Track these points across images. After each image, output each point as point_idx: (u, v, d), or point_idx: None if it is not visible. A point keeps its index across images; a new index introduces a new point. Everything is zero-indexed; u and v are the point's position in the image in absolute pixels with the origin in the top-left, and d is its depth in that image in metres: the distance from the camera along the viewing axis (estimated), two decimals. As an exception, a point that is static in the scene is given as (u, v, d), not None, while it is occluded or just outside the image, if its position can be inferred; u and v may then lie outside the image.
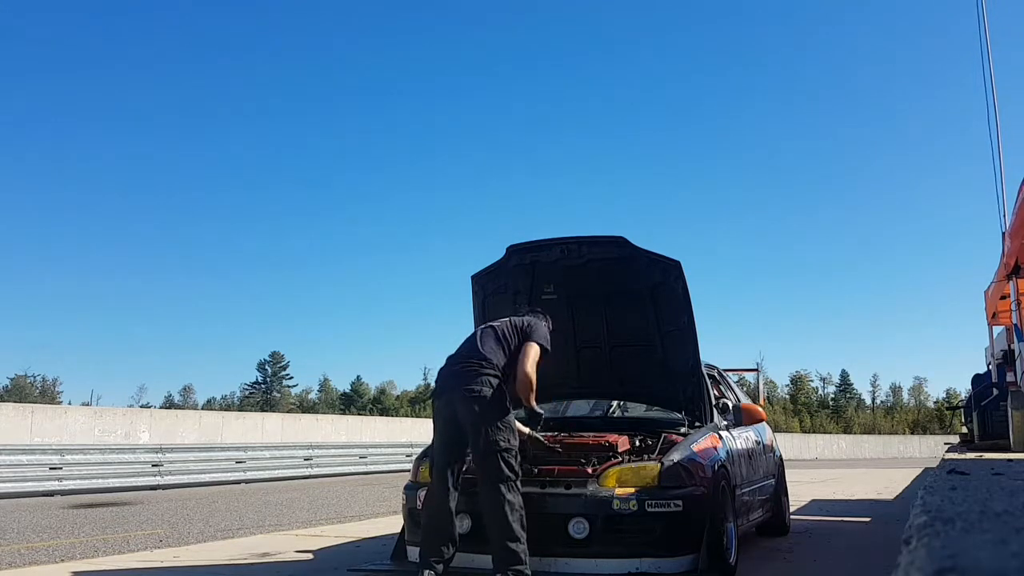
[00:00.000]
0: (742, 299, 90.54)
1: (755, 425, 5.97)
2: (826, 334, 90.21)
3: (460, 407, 4.21)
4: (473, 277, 5.44)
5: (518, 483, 4.09)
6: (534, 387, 4.32)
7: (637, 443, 4.63)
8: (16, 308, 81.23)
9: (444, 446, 4.31)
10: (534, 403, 4.36)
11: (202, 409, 58.64)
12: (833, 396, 78.52)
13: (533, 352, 4.35)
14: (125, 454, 14.91)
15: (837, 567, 5.37)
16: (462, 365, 4.31)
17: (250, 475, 16.73)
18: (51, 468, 13.41)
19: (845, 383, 78.62)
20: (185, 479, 15.34)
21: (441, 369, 4.48)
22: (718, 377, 6.04)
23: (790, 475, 7.53)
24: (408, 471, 5.11)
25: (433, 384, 4.56)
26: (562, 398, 5.66)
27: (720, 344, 59.07)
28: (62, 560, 5.98)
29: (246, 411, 48.42)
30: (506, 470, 4.05)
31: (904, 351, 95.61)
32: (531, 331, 4.44)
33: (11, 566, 5.71)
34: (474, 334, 4.57)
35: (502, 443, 4.09)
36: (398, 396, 74.10)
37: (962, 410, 13.95)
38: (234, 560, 5.77)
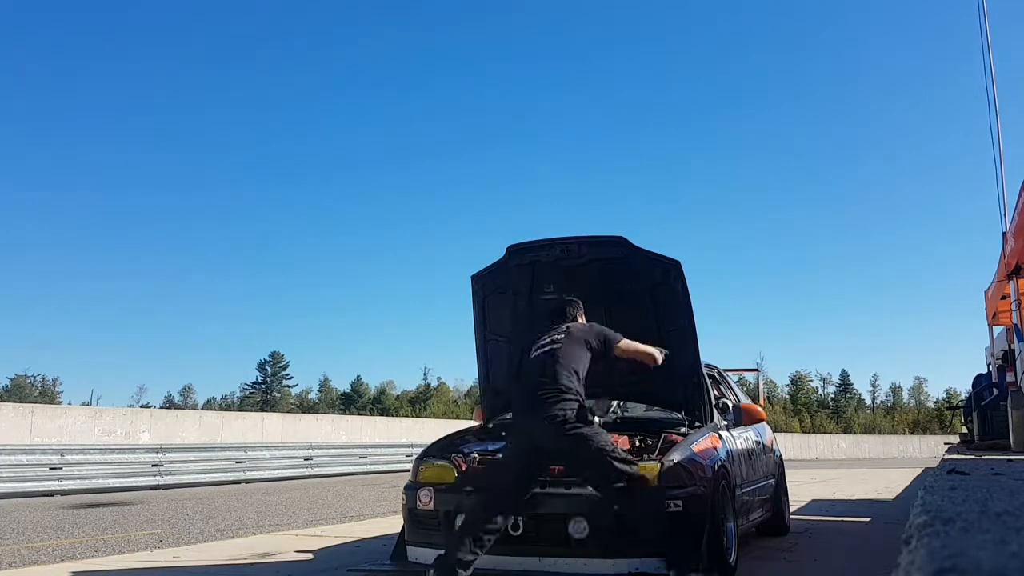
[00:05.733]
0: (742, 299, 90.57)
1: (755, 425, 5.97)
2: (826, 334, 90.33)
3: (543, 435, 4.08)
4: (473, 277, 5.43)
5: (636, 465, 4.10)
6: (655, 357, 4.46)
7: (637, 443, 4.63)
8: (17, 308, 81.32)
9: (519, 475, 4.17)
10: (658, 354, 4.46)
11: (202, 409, 58.63)
12: (833, 396, 78.47)
13: (629, 344, 4.45)
14: (125, 454, 14.91)
15: (837, 567, 5.36)
16: (541, 392, 4.16)
17: (250, 475, 16.74)
18: (51, 468, 13.41)
19: (845, 383, 78.59)
20: (185, 479, 15.34)
21: (514, 403, 4.55)
22: (718, 377, 6.04)
23: (790, 475, 7.53)
24: (408, 471, 5.10)
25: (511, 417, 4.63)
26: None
27: (720, 344, 58.88)
28: (62, 560, 5.98)
29: (246, 411, 48.43)
30: (622, 467, 4.02)
31: (904, 351, 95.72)
32: (608, 336, 4.44)
33: (11, 566, 5.72)
34: (541, 361, 4.31)
35: (607, 447, 4.05)
36: (398, 396, 74.02)
37: (962, 410, 13.96)
38: (234, 560, 5.77)
